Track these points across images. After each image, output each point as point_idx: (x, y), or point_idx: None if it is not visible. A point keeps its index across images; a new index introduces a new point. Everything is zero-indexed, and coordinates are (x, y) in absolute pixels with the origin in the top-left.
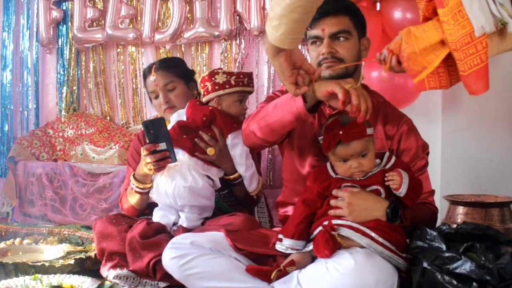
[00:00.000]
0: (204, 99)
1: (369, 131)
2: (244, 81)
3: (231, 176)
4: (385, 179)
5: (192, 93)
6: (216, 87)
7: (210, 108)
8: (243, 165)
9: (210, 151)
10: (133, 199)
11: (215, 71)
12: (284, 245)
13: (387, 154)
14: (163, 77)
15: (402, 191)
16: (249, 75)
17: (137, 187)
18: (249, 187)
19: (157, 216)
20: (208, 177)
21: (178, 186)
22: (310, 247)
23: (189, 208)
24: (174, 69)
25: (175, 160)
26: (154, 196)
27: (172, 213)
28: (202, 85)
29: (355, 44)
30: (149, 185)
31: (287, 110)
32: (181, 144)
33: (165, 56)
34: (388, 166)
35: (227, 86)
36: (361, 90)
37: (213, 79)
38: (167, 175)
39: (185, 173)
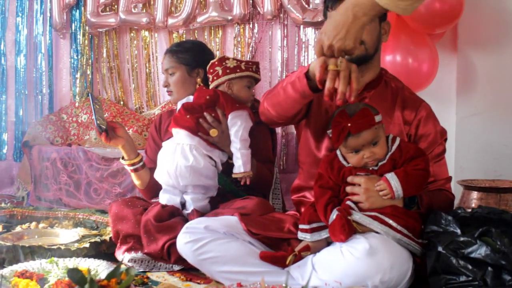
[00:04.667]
0: (213, 84)
1: (377, 118)
2: (253, 68)
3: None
4: (375, 189)
5: (194, 80)
6: (228, 71)
7: (215, 89)
8: (238, 143)
9: (213, 132)
10: (134, 180)
11: (225, 57)
12: (316, 233)
13: (391, 136)
14: (167, 61)
15: (398, 195)
16: (257, 64)
17: (127, 165)
18: (238, 167)
19: (164, 199)
20: (211, 158)
21: (179, 166)
22: (326, 235)
23: (192, 188)
24: (180, 54)
25: (100, 130)
26: (157, 176)
27: (176, 194)
28: (211, 70)
29: (376, 27)
30: (135, 160)
31: (294, 89)
32: (184, 123)
33: (178, 41)
34: (393, 150)
35: (238, 70)
36: (347, 71)
37: (223, 63)
38: (165, 156)
39: (187, 153)
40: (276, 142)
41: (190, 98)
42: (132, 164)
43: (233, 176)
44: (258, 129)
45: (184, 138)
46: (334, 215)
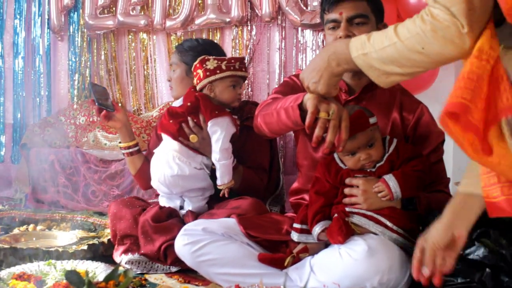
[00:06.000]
0: (198, 87)
1: (372, 120)
2: (235, 66)
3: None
4: (374, 191)
5: (192, 80)
6: (208, 73)
7: (196, 94)
8: (217, 153)
9: (193, 138)
10: (129, 165)
11: (206, 57)
12: (303, 235)
13: (388, 138)
14: (173, 56)
15: (397, 196)
16: (241, 60)
17: (122, 148)
18: (219, 178)
19: (164, 201)
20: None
21: (166, 176)
22: (312, 240)
23: (188, 192)
24: (185, 52)
25: (98, 105)
26: (153, 185)
27: (175, 198)
28: (194, 73)
29: (373, 29)
30: (130, 144)
31: (287, 115)
32: (166, 128)
33: (176, 43)
34: (390, 151)
35: (218, 71)
36: (337, 121)
37: (204, 65)
38: (154, 164)
39: (170, 163)
40: (276, 150)
41: (179, 102)
42: (127, 147)
43: (218, 187)
44: (255, 135)
45: (167, 143)
46: (317, 227)
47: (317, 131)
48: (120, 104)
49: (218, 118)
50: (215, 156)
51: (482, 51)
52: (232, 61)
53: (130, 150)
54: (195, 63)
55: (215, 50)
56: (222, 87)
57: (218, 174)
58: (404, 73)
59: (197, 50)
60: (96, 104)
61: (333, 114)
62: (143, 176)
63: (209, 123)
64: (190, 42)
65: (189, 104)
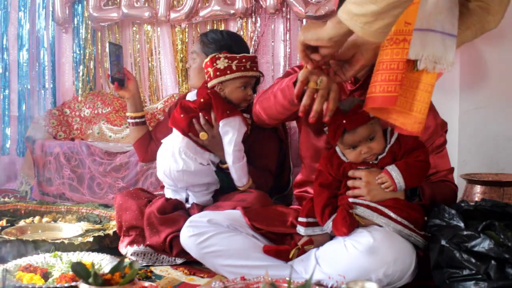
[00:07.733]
0: (209, 85)
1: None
2: (246, 66)
3: (225, 165)
4: (377, 182)
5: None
6: (218, 73)
7: (208, 91)
8: (230, 155)
9: (203, 135)
10: (130, 134)
11: (217, 56)
12: (310, 228)
13: (389, 129)
14: (195, 45)
15: (400, 187)
16: (252, 59)
17: (129, 118)
18: (236, 181)
19: (169, 193)
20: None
21: (172, 170)
22: (319, 232)
23: (193, 187)
24: (208, 44)
25: (111, 80)
26: (159, 176)
27: (182, 190)
28: (205, 70)
29: None
30: (135, 114)
31: (283, 95)
32: (176, 122)
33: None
34: (392, 142)
35: (228, 72)
36: (326, 91)
37: (214, 64)
38: (161, 156)
39: (176, 157)
40: (287, 152)
41: (193, 94)
42: (132, 118)
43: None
44: (265, 136)
45: (176, 137)
46: (331, 222)
47: (304, 100)
48: (133, 76)
49: (230, 118)
50: (229, 158)
51: (398, 32)
52: (243, 60)
53: (136, 120)
54: (206, 60)
55: (239, 45)
56: (232, 88)
57: (234, 176)
58: (380, 11)
59: (220, 44)
60: (110, 77)
61: (320, 83)
62: (142, 147)
63: (221, 123)
64: (215, 34)
65: (202, 100)
